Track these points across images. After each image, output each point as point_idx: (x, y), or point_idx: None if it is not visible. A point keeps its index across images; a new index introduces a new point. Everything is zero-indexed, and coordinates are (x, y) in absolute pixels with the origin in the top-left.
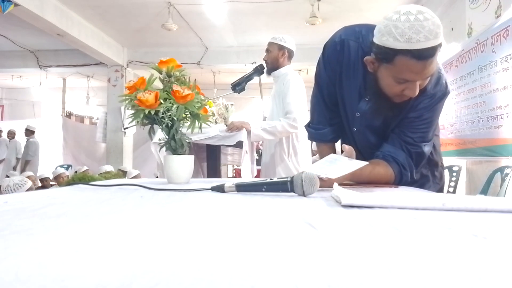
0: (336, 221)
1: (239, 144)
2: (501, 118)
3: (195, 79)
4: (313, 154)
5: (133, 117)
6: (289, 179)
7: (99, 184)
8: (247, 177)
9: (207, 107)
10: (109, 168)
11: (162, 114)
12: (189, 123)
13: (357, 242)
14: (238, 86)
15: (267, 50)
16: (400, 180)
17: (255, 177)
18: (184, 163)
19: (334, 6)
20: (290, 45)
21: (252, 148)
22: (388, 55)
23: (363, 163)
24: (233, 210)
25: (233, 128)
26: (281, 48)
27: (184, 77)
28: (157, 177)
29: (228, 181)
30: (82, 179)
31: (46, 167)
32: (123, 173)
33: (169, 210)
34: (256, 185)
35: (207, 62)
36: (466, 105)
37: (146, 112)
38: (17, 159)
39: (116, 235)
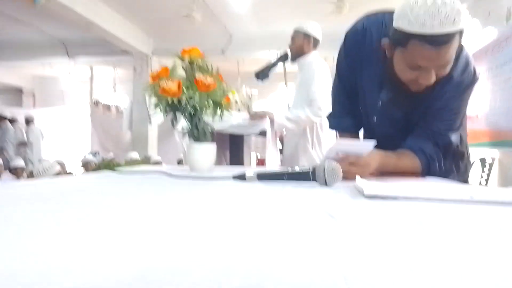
0: (357, 212)
1: (262, 133)
2: None
3: (218, 67)
4: None
5: (157, 106)
6: (311, 169)
7: (124, 170)
8: (272, 166)
9: (229, 95)
10: (135, 155)
11: (185, 102)
12: (211, 111)
13: (377, 235)
14: (262, 74)
15: (293, 38)
16: (428, 171)
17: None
18: (206, 152)
19: None
20: (316, 33)
21: (275, 137)
22: (402, 39)
23: (371, 144)
24: (253, 199)
25: (256, 117)
26: (307, 36)
27: (206, 66)
28: (179, 162)
29: (250, 170)
30: (108, 166)
31: (74, 154)
32: (149, 160)
33: (190, 198)
34: (277, 174)
35: (231, 51)
36: (501, 95)
37: (169, 100)
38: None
39: (138, 223)
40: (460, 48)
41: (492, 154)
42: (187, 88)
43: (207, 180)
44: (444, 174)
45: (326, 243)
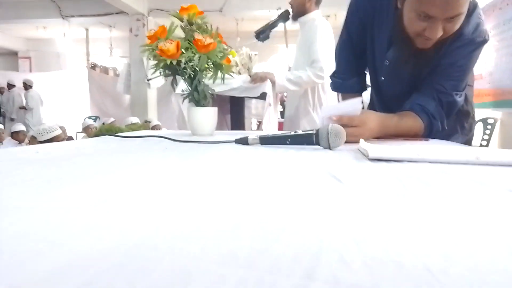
0: (363, 175)
1: (263, 96)
2: None
3: (217, 27)
4: None
5: (155, 68)
6: (314, 131)
7: (125, 136)
8: (271, 130)
9: (230, 56)
10: (135, 119)
11: (184, 64)
12: (211, 73)
13: (384, 197)
14: (262, 34)
15: None
16: (430, 131)
17: (278, 130)
18: (207, 115)
19: None
20: None
21: (276, 100)
22: None
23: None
24: (256, 163)
25: (257, 79)
26: None
27: (206, 25)
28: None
29: (252, 134)
30: (109, 130)
31: (74, 118)
32: (148, 125)
33: (192, 162)
34: (280, 137)
35: (230, 9)
36: (507, 53)
37: (168, 62)
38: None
39: (140, 187)
40: (474, 6)
41: (495, 114)
42: (186, 49)
43: (209, 144)
44: (448, 133)
45: (333, 207)
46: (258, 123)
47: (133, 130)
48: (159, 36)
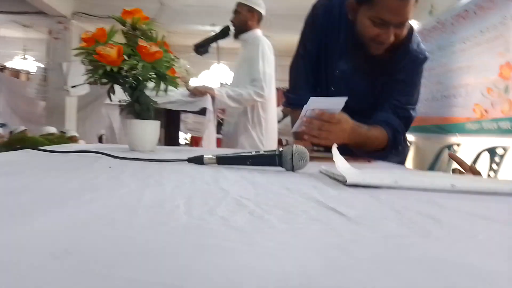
0: (357, 205)
1: (202, 111)
2: (454, 97)
3: (163, 35)
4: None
5: (91, 74)
6: (277, 152)
7: (55, 150)
8: (210, 146)
9: (181, 69)
10: (52, 129)
11: (126, 72)
12: (152, 84)
13: (402, 235)
14: (202, 47)
15: (236, 12)
16: (393, 143)
17: (217, 146)
18: (149, 129)
19: None
20: (261, 8)
21: (214, 116)
22: None
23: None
24: (221, 186)
25: (196, 93)
26: (251, 10)
27: (151, 32)
28: (100, 138)
29: (206, 152)
30: (21, 140)
31: None
32: (64, 136)
33: (146, 185)
34: (239, 157)
35: (162, 21)
36: (423, 84)
37: (108, 68)
38: None
39: (91, 214)
40: (412, 28)
41: (408, 138)
42: (129, 56)
43: (160, 163)
44: (403, 147)
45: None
46: (190, 139)
47: (50, 141)
48: (98, 40)
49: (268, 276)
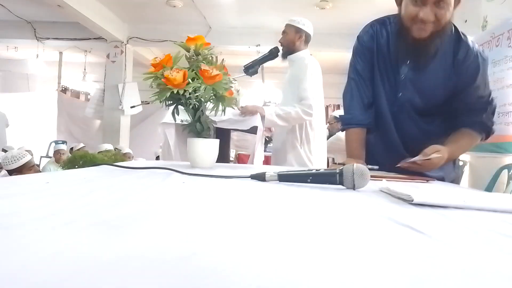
0: (432, 224)
1: (253, 130)
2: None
3: (223, 59)
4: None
5: (157, 96)
6: (337, 170)
7: (129, 167)
8: (259, 163)
9: (232, 89)
10: (109, 146)
11: (190, 94)
12: (211, 105)
13: (477, 250)
14: (251, 68)
15: (284, 32)
16: (487, 137)
17: (263, 163)
18: (209, 147)
19: None
20: (308, 28)
21: (263, 134)
22: None
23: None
24: (291, 205)
25: (246, 112)
26: (298, 31)
27: (211, 56)
28: (157, 156)
29: (268, 170)
30: (83, 157)
31: (39, 142)
32: (118, 153)
33: (217, 200)
34: (300, 175)
35: (210, 43)
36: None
37: (175, 91)
38: None
39: (169, 225)
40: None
41: (462, 157)
42: (192, 79)
43: (224, 179)
44: (444, 171)
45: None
46: (236, 156)
47: (108, 157)
48: (165, 65)
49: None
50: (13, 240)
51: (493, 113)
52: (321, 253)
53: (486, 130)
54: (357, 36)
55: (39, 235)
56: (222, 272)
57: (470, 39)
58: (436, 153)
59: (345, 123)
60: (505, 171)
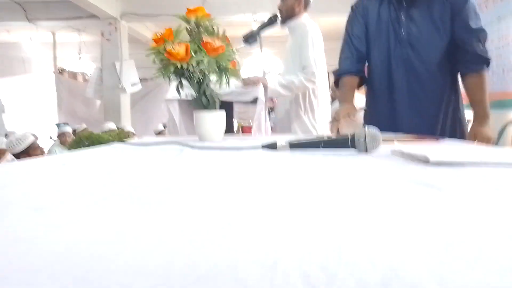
0: (451, 181)
1: (254, 100)
2: None
3: (224, 29)
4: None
5: (161, 72)
6: (349, 136)
7: (140, 144)
8: (265, 134)
9: (235, 60)
10: (112, 125)
11: (193, 68)
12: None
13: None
14: (251, 38)
15: None
16: (486, 63)
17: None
18: (217, 120)
19: None
20: None
21: (266, 104)
22: None
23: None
24: (307, 171)
25: (249, 83)
26: None
27: (213, 28)
28: (158, 133)
29: (279, 139)
30: (89, 138)
31: (41, 125)
32: (122, 132)
33: (231, 171)
34: (311, 142)
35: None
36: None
37: (179, 66)
38: None
39: (186, 198)
40: None
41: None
42: (195, 52)
43: (235, 151)
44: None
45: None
46: (241, 128)
47: (112, 137)
48: (166, 39)
49: (411, 242)
50: (49, 221)
51: (485, 41)
52: (346, 215)
53: (486, 61)
54: (351, 6)
55: (76, 215)
56: (261, 240)
57: None
58: (477, 141)
59: (337, 74)
60: (511, 127)
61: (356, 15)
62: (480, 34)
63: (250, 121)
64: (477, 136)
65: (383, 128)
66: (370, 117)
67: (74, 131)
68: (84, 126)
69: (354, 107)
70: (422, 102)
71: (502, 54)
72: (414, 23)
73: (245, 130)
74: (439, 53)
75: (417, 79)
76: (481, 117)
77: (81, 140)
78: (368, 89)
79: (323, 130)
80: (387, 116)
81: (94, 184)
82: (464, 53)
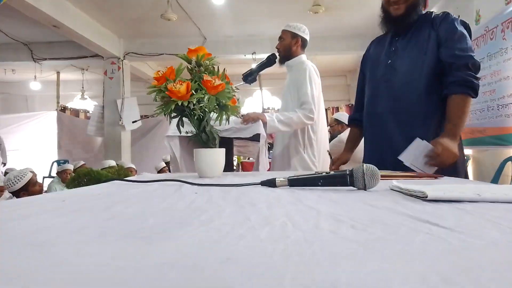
0: (451, 217)
1: (255, 137)
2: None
3: (224, 68)
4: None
5: (162, 110)
6: (347, 172)
7: (139, 181)
8: (264, 170)
9: (235, 98)
10: (112, 163)
11: (194, 105)
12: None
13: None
14: (250, 76)
15: (280, 38)
16: (474, 93)
17: (267, 169)
18: (216, 156)
19: None
20: (304, 33)
21: (267, 140)
22: None
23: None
24: (312, 204)
25: (248, 119)
26: (295, 36)
27: (213, 67)
28: (159, 170)
29: (278, 176)
30: (88, 174)
31: (40, 162)
32: (122, 168)
33: (247, 207)
34: (311, 179)
35: (211, 53)
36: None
37: (179, 103)
38: None
39: (228, 233)
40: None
41: (466, 152)
42: (196, 90)
43: (236, 188)
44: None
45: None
46: (240, 163)
47: (111, 173)
48: (168, 77)
49: (412, 278)
50: (48, 256)
51: (476, 69)
52: (348, 253)
53: (471, 86)
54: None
55: (74, 250)
56: (259, 275)
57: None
58: (436, 147)
59: (348, 120)
60: (509, 163)
61: (361, 64)
62: (467, 60)
63: (250, 157)
64: (443, 145)
65: (378, 153)
66: (366, 145)
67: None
68: (81, 162)
69: (345, 155)
70: (408, 126)
71: (496, 89)
72: (401, 51)
73: (245, 165)
74: (425, 79)
75: (400, 104)
76: (451, 132)
77: (79, 176)
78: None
79: (323, 165)
80: (380, 141)
81: (93, 220)
82: (450, 76)
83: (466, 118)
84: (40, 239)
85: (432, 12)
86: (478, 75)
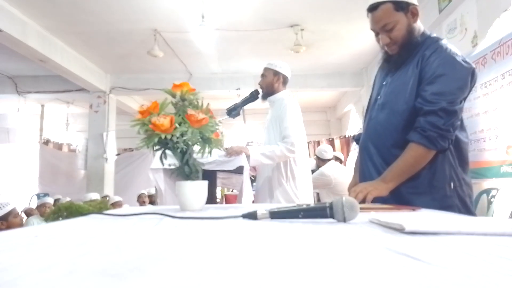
0: (428, 251)
1: (239, 169)
2: (483, 141)
3: (208, 103)
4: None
5: (146, 142)
6: (327, 204)
7: (117, 214)
8: (248, 202)
9: (218, 131)
10: (94, 196)
11: (177, 138)
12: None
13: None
14: (234, 111)
15: (263, 75)
16: (432, 144)
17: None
18: (198, 189)
19: (316, 35)
20: (285, 71)
21: (250, 173)
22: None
23: None
24: (292, 238)
25: (232, 152)
26: (276, 73)
27: (197, 101)
28: (141, 203)
29: (259, 208)
30: (68, 208)
31: (20, 195)
32: (107, 201)
33: (233, 240)
34: (291, 211)
35: (195, 88)
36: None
37: (163, 136)
38: None
39: (219, 267)
40: (425, 34)
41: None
42: (179, 124)
43: (216, 220)
44: (450, 131)
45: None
46: (223, 197)
47: (93, 206)
48: (152, 111)
49: None
50: None
51: (448, 115)
52: (322, 284)
53: (427, 136)
54: None
55: None
56: None
57: (445, 41)
58: (357, 193)
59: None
60: (484, 196)
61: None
62: (437, 106)
63: (234, 189)
64: (355, 187)
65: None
66: (360, 175)
67: (55, 201)
68: (68, 199)
69: (355, 178)
70: (386, 163)
71: (468, 125)
72: (390, 87)
73: (228, 198)
74: (406, 115)
75: (383, 139)
76: (382, 176)
77: (60, 210)
78: None
79: (305, 198)
80: (365, 173)
81: (64, 256)
82: (416, 121)
83: (413, 168)
84: (4, 279)
85: (430, 36)
86: (452, 121)
